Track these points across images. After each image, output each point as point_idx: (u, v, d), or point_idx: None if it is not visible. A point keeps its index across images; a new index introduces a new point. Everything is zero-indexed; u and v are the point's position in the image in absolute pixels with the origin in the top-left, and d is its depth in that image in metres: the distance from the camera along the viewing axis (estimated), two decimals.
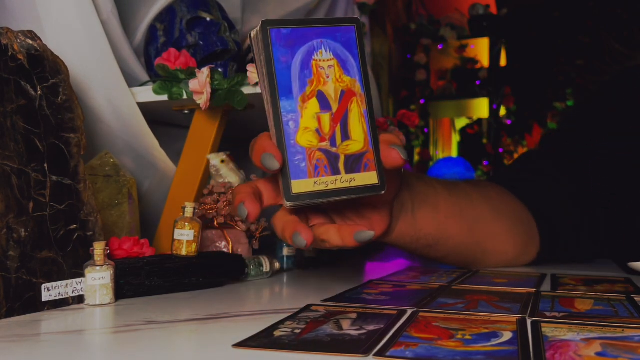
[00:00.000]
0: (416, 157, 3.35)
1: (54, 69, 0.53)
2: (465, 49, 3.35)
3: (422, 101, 3.30)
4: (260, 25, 0.43)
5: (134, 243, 0.59)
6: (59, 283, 0.50)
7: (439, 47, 3.28)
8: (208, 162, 0.75)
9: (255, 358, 0.35)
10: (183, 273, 0.58)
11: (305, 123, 0.43)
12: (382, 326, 0.41)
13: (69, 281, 0.51)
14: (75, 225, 0.53)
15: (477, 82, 3.30)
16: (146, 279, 0.56)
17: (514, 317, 0.44)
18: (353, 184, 0.44)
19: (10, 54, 0.50)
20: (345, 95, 0.45)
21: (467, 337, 0.39)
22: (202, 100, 0.69)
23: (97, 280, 0.51)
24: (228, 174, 0.74)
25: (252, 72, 0.70)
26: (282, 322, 0.43)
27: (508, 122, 3.31)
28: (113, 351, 0.38)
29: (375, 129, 0.45)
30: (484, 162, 3.29)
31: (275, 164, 0.42)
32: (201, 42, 0.82)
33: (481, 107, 3.41)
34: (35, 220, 0.49)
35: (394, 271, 0.73)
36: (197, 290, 0.59)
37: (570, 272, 0.72)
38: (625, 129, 0.75)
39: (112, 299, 0.52)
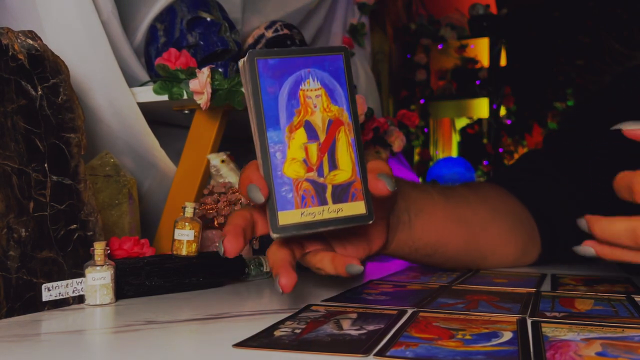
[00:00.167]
0: (416, 157, 3.35)
1: (54, 69, 0.53)
2: (465, 49, 3.35)
3: (422, 101, 3.30)
4: (247, 55, 0.43)
5: (134, 243, 0.59)
6: (59, 283, 0.50)
7: (439, 47, 3.28)
8: (208, 162, 0.75)
9: (255, 358, 0.35)
10: (183, 273, 0.58)
11: (292, 154, 0.43)
12: (383, 326, 0.41)
13: (69, 281, 0.51)
14: (75, 225, 0.53)
15: (477, 82, 3.30)
16: (146, 279, 0.56)
17: (514, 317, 0.44)
18: (340, 214, 0.44)
19: (10, 53, 0.50)
20: (333, 125, 0.45)
21: (468, 337, 0.39)
22: (203, 100, 0.69)
23: (98, 280, 0.51)
24: (228, 174, 0.74)
25: None
26: (282, 322, 0.43)
27: (508, 122, 3.31)
28: (113, 351, 0.38)
29: (363, 157, 0.45)
30: (484, 162, 3.29)
31: (260, 197, 0.42)
32: (201, 42, 0.82)
33: (481, 107, 3.41)
34: (35, 220, 0.49)
35: (394, 271, 0.73)
36: (197, 290, 0.59)
37: (570, 272, 0.72)
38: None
39: (112, 299, 0.52)
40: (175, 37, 0.82)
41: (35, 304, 0.48)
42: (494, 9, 3.37)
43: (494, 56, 3.25)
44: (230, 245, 0.44)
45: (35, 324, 0.45)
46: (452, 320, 0.43)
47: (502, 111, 3.31)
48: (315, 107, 0.44)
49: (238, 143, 0.84)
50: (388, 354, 0.34)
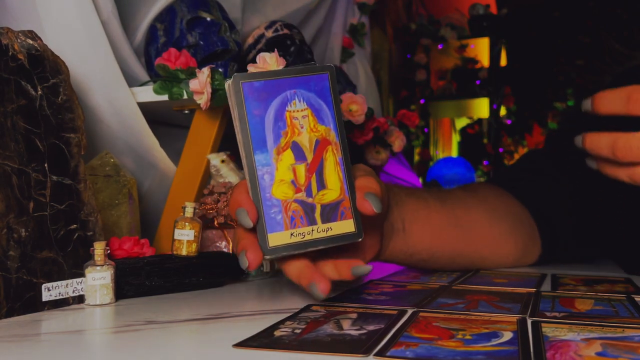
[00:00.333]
0: (416, 157, 3.35)
1: (54, 69, 0.53)
2: (465, 49, 3.35)
3: (422, 101, 3.30)
4: (232, 79, 0.44)
5: (134, 243, 0.59)
6: (59, 283, 0.50)
7: (439, 47, 3.28)
8: (208, 162, 0.75)
9: (255, 358, 0.35)
10: (183, 273, 0.58)
11: (280, 175, 0.44)
12: (383, 326, 0.41)
13: (69, 281, 0.51)
14: (75, 225, 0.53)
15: (477, 82, 3.30)
16: (146, 279, 0.56)
17: (514, 317, 0.44)
18: (330, 233, 0.45)
19: (10, 53, 0.50)
20: (320, 145, 0.45)
21: (468, 337, 0.39)
22: (203, 100, 0.69)
23: (98, 280, 0.51)
24: (228, 174, 0.74)
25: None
26: (282, 322, 0.43)
27: (508, 122, 3.31)
28: (113, 351, 0.38)
29: (350, 176, 0.46)
30: (484, 162, 3.29)
31: (248, 222, 0.43)
32: (201, 42, 0.82)
33: (481, 107, 3.41)
34: (35, 220, 0.49)
35: (394, 271, 0.73)
36: (197, 290, 0.59)
37: (570, 272, 0.72)
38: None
39: (112, 298, 0.52)
40: (175, 37, 0.81)
41: (35, 304, 0.48)
42: (494, 9, 3.37)
43: (494, 56, 3.25)
44: (253, 256, 0.44)
45: (35, 324, 0.45)
46: (452, 320, 0.43)
47: (502, 111, 3.31)
48: (302, 127, 0.45)
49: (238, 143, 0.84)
50: (388, 354, 0.34)
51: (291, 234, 0.44)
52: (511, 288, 0.59)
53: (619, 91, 0.52)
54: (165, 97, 0.72)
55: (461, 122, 3.60)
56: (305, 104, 0.45)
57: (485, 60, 3.30)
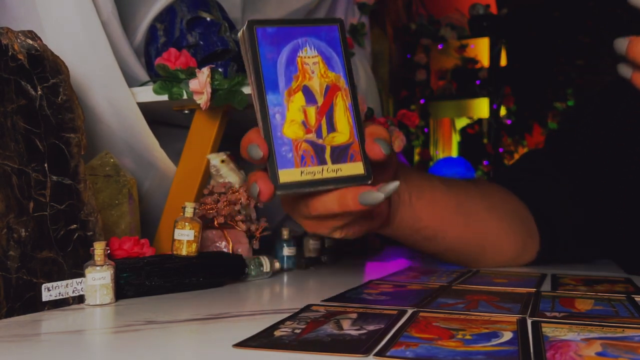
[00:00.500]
0: (416, 157, 3.35)
1: (54, 69, 0.53)
2: (465, 49, 3.35)
3: (422, 101, 3.30)
4: (246, 24, 0.45)
5: (134, 243, 0.59)
6: (59, 283, 0.50)
7: (439, 47, 3.28)
8: (208, 162, 0.75)
9: (255, 358, 0.35)
10: (183, 273, 0.58)
11: (291, 115, 0.45)
12: (383, 326, 0.41)
13: (69, 281, 0.51)
14: (75, 225, 0.53)
15: (477, 82, 3.30)
16: (146, 279, 0.56)
17: (514, 317, 0.44)
18: (339, 173, 0.45)
19: (10, 53, 0.50)
20: (330, 90, 0.46)
21: (468, 337, 0.39)
22: (203, 100, 0.69)
23: (97, 280, 0.51)
24: (228, 174, 0.74)
25: None
26: (282, 322, 0.43)
27: (508, 122, 3.31)
28: (113, 351, 0.38)
29: (360, 121, 0.46)
30: (484, 162, 3.28)
31: (259, 153, 0.43)
32: (201, 42, 0.82)
33: (481, 107, 3.41)
34: (35, 220, 0.49)
35: (394, 271, 0.73)
36: (197, 290, 0.59)
37: (570, 272, 0.72)
38: (625, 129, 0.75)
39: (112, 298, 0.52)
40: (175, 37, 0.81)
41: (35, 304, 0.48)
42: (494, 9, 3.37)
43: (494, 56, 3.25)
44: (265, 187, 0.44)
45: (35, 324, 0.45)
46: (452, 320, 0.43)
47: (502, 111, 3.31)
48: (312, 73, 0.46)
49: (238, 143, 0.84)
50: (388, 354, 0.34)
51: (301, 172, 0.44)
52: (511, 288, 0.59)
53: None
54: (165, 97, 0.72)
55: (461, 122, 3.59)
56: (316, 51, 0.46)
57: (485, 60, 3.30)
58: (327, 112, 0.45)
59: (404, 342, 0.37)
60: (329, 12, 1.48)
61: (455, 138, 3.65)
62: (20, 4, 0.67)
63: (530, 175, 0.82)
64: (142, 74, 0.81)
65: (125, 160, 0.76)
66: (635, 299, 0.54)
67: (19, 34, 0.52)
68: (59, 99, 0.53)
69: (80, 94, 0.63)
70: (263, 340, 0.38)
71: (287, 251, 0.77)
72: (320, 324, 0.42)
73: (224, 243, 0.70)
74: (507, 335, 0.39)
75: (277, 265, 0.70)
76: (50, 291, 0.50)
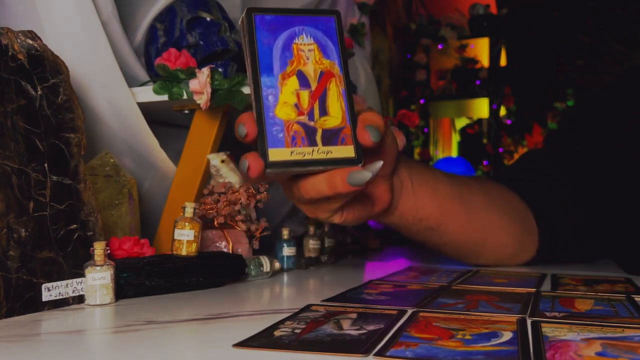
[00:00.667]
0: (416, 157, 3.35)
1: (54, 69, 0.53)
2: (465, 49, 3.35)
3: (422, 101, 3.30)
4: (245, 12, 0.46)
5: (134, 243, 0.59)
6: (59, 283, 0.50)
7: (439, 47, 3.28)
8: (208, 162, 0.75)
9: (255, 358, 0.35)
10: (183, 273, 0.58)
11: (284, 98, 0.45)
12: (382, 326, 0.41)
13: (69, 281, 0.51)
14: (75, 225, 0.53)
15: (477, 82, 3.30)
16: (146, 278, 0.56)
17: (514, 317, 0.44)
18: (330, 155, 0.45)
19: (10, 53, 0.50)
20: (325, 76, 0.47)
21: (467, 337, 0.39)
22: (203, 100, 0.69)
23: (97, 280, 0.51)
24: (228, 174, 0.74)
25: None
26: (282, 322, 0.43)
27: (508, 122, 3.31)
28: (113, 351, 0.38)
29: (353, 107, 0.47)
30: (484, 162, 3.28)
31: (243, 131, 0.44)
32: (201, 42, 0.82)
33: (481, 107, 3.41)
34: (35, 220, 0.49)
35: (394, 271, 0.73)
36: (197, 290, 0.59)
37: (570, 272, 0.72)
38: (625, 129, 0.75)
39: (112, 298, 0.52)
40: (175, 37, 0.81)
41: (35, 304, 0.48)
42: (494, 9, 3.37)
43: (494, 56, 3.25)
44: (254, 163, 0.44)
45: (35, 324, 0.45)
46: (452, 320, 0.43)
47: (502, 111, 3.31)
48: (307, 59, 0.47)
49: (238, 143, 0.84)
50: (388, 354, 0.34)
51: (291, 152, 0.45)
52: (511, 288, 0.59)
53: None
54: (165, 97, 0.72)
55: (461, 122, 3.59)
56: (312, 39, 0.47)
57: (485, 60, 3.30)
58: (320, 97, 0.46)
59: (403, 342, 0.37)
60: None
61: (455, 138, 3.65)
62: (20, 4, 0.67)
63: (530, 175, 0.82)
64: (142, 74, 0.81)
65: (125, 160, 0.76)
66: (635, 299, 0.54)
67: (19, 34, 0.52)
68: (59, 99, 0.53)
69: (80, 94, 0.63)
70: (263, 340, 0.38)
71: (287, 251, 0.77)
72: (320, 324, 0.42)
73: (224, 243, 0.70)
74: (507, 335, 0.39)
75: (277, 265, 0.70)
76: (50, 291, 0.50)
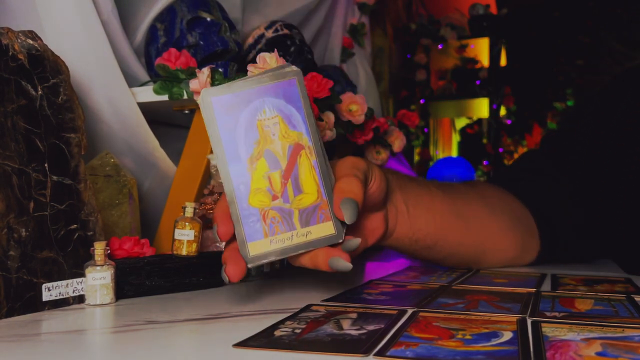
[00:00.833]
0: (416, 157, 3.35)
1: (54, 69, 0.53)
2: (465, 49, 3.35)
3: (422, 101, 3.31)
4: (201, 94, 0.45)
5: (134, 243, 0.59)
6: (59, 283, 0.50)
7: (439, 47, 3.29)
8: (208, 162, 0.75)
9: (255, 358, 0.35)
10: (183, 273, 0.58)
11: (255, 184, 0.45)
12: (383, 326, 0.41)
13: (70, 281, 0.51)
14: (75, 225, 0.53)
15: (477, 82, 3.30)
16: (146, 278, 0.56)
17: (514, 317, 0.44)
18: (309, 237, 0.46)
19: (10, 54, 0.50)
20: (294, 150, 0.46)
21: (468, 337, 0.39)
22: None
23: (98, 280, 0.51)
24: None
25: (252, 72, 0.70)
26: (282, 322, 0.43)
27: (508, 122, 3.31)
28: (113, 351, 0.38)
29: (327, 178, 0.47)
30: (484, 162, 3.29)
31: (217, 236, 0.45)
32: (201, 42, 0.82)
33: (481, 107, 3.41)
34: (35, 220, 0.49)
35: (394, 271, 0.73)
36: (197, 290, 0.59)
37: (570, 272, 0.72)
38: (625, 129, 0.75)
39: (112, 298, 0.52)
40: (175, 37, 0.82)
41: (35, 304, 0.48)
42: (494, 9, 3.37)
43: (494, 56, 3.25)
44: (233, 269, 0.45)
45: (35, 324, 0.45)
46: (452, 320, 0.43)
47: (502, 111, 3.31)
48: (273, 135, 0.46)
49: None
50: (388, 354, 0.34)
51: (271, 241, 0.45)
52: (511, 288, 0.59)
53: None
54: (165, 97, 0.72)
55: (461, 122, 3.60)
56: (275, 111, 0.46)
57: (485, 60, 3.30)
58: (292, 174, 0.46)
59: (404, 342, 0.37)
60: (329, 12, 1.48)
61: (455, 138, 3.65)
62: (20, 4, 0.67)
63: (530, 175, 0.82)
64: (142, 74, 0.81)
65: (126, 160, 0.76)
66: (635, 299, 0.54)
67: (19, 34, 0.52)
68: (59, 99, 0.53)
69: (80, 94, 0.63)
70: (263, 340, 0.38)
71: None
72: (320, 324, 0.42)
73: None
74: (507, 335, 0.39)
75: (277, 265, 0.70)
76: (51, 291, 0.50)
